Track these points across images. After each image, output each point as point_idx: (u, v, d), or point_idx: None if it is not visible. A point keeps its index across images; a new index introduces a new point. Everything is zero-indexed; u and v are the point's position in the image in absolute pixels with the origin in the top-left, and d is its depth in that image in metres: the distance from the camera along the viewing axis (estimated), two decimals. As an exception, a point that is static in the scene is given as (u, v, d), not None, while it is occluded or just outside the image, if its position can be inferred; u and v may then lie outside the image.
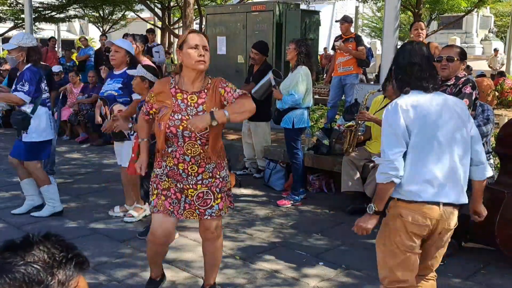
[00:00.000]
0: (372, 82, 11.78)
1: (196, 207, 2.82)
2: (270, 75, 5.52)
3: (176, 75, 2.79)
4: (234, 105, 2.68)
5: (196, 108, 2.70)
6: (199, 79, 2.74)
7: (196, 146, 2.69)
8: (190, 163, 2.72)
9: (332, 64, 8.23)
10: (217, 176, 2.81)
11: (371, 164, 4.94)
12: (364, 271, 3.69)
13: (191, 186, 2.78)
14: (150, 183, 2.90)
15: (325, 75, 13.38)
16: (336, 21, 7.74)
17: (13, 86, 4.60)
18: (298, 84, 5.07)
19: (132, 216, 4.67)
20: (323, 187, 5.84)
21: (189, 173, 2.75)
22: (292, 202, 5.29)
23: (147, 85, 4.04)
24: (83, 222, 4.68)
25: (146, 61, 5.14)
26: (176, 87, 2.74)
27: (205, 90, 2.74)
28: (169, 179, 2.80)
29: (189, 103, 2.70)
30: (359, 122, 4.90)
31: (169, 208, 2.80)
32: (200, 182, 2.77)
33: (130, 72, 4.09)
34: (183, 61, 2.69)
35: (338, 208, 5.15)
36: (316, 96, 10.30)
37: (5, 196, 5.50)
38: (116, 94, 4.48)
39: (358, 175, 4.98)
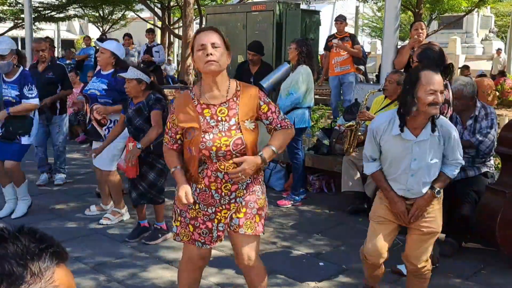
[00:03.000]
0: (371, 82, 11.75)
1: None
2: (287, 66, 5.55)
3: (195, 87, 2.46)
4: (280, 136, 2.46)
5: (228, 122, 2.36)
6: (218, 83, 2.38)
7: (230, 161, 2.38)
8: (224, 180, 2.39)
9: (326, 63, 8.16)
10: (251, 190, 2.48)
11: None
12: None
13: (224, 207, 2.45)
14: (173, 208, 2.56)
15: (324, 75, 13.34)
16: (336, 20, 7.71)
17: (11, 91, 4.58)
18: (298, 83, 5.06)
19: (109, 220, 4.61)
20: (323, 187, 5.84)
21: (223, 193, 2.42)
22: (292, 202, 5.29)
23: (143, 87, 4.03)
24: (83, 222, 4.68)
25: None
26: (201, 102, 2.39)
27: (235, 98, 2.40)
28: (197, 207, 2.46)
29: (219, 118, 2.36)
30: (360, 122, 4.90)
31: (199, 239, 2.50)
32: (233, 200, 2.45)
33: (124, 75, 4.04)
34: (198, 67, 2.40)
35: (338, 208, 5.15)
36: (316, 96, 10.27)
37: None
38: (98, 94, 4.52)
39: (358, 175, 4.97)
